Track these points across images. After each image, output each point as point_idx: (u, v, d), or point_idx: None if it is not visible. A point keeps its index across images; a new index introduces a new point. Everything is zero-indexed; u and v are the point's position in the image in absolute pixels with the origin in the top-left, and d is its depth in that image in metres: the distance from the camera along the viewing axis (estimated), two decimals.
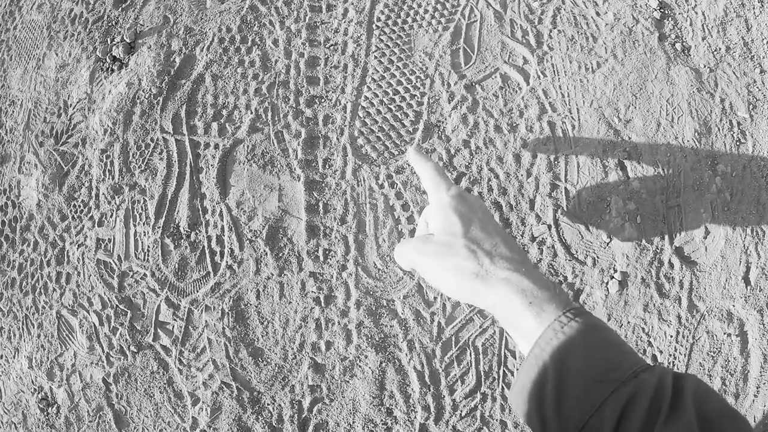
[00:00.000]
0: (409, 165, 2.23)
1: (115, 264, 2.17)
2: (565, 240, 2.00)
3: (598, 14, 2.33)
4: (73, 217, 2.38)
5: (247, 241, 2.09)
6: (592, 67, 2.24)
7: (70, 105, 2.63)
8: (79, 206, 2.40)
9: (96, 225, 2.31)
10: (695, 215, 2.02)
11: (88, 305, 2.12)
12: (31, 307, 2.16)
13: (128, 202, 2.27)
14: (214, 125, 2.33)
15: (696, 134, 2.10)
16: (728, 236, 2.00)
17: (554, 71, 2.27)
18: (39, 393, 2.03)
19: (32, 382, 2.06)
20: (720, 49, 2.27)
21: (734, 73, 2.21)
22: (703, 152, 2.10)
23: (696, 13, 2.32)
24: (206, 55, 2.60)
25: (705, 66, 2.23)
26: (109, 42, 2.71)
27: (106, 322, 2.08)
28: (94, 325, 2.09)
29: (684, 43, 2.28)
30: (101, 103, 2.53)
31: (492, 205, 2.24)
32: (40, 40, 2.92)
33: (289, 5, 2.73)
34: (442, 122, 2.27)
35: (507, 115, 2.23)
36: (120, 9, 2.78)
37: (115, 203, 2.28)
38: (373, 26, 2.64)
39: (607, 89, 2.17)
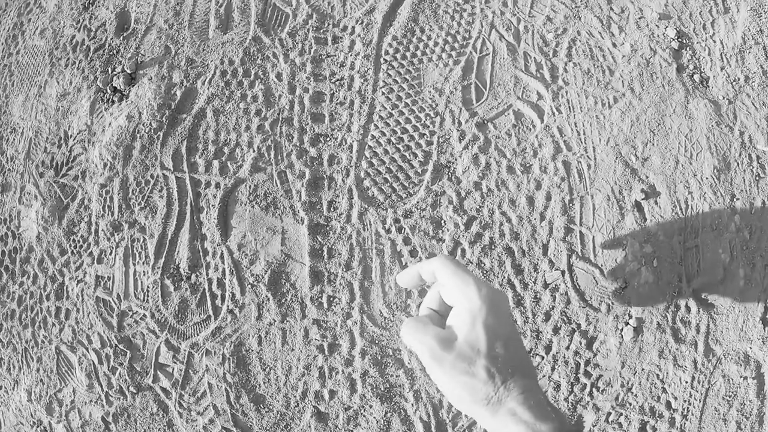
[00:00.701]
0: (419, 208, 2.27)
1: (115, 303, 2.29)
2: (579, 286, 2.01)
3: (614, 45, 2.31)
4: (72, 252, 2.50)
5: (249, 286, 2.14)
6: (608, 102, 2.21)
7: (71, 136, 2.77)
8: (79, 241, 2.51)
9: (95, 262, 2.42)
10: (713, 256, 2.01)
11: (87, 343, 2.18)
12: (31, 340, 2.26)
13: (128, 240, 2.38)
14: (215, 163, 2.47)
15: (715, 171, 2.10)
16: (747, 276, 2.02)
17: (569, 107, 2.25)
18: (38, 427, 2.12)
19: (31, 415, 2.15)
20: (739, 78, 2.29)
21: (753, 104, 2.23)
22: (722, 189, 2.07)
23: (714, 41, 2.34)
24: (208, 88, 2.63)
25: (724, 98, 2.23)
26: (109, 72, 2.84)
27: (105, 360, 2.14)
28: (93, 363, 2.15)
29: (702, 74, 2.29)
30: (101, 136, 2.64)
31: (504, 251, 2.13)
32: (42, 66, 3.07)
33: (293, 37, 2.70)
34: (453, 163, 2.26)
35: (520, 154, 2.19)
36: (121, 38, 2.89)
37: (115, 240, 2.39)
38: (381, 60, 2.61)
39: (625, 126, 2.16)
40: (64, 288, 2.46)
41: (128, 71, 2.85)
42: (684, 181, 2.08)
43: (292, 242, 2.22)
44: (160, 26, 2.91)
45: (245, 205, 2.29)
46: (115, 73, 2.89)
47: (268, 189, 2.30)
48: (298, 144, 2.36)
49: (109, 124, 2.72)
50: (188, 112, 2.65)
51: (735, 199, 2.09)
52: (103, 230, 2.47)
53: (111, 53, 2.95)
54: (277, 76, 2.70)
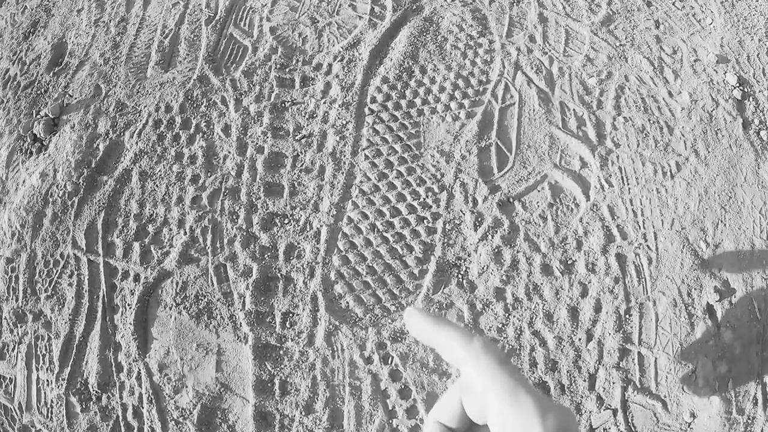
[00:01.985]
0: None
1: (17, 413, 1.86)
2: (635, 427, 1.58)
3: (670, 94, 2.02)
4: None
5: (173, 422, 1.62)
6: (670, 171, 1.88)
7: None
8: None
9: None
10: None
11: None
12: None
13: (31, 335, 1.90)
14: (136, 247, 1.80)
15: None
16: None
17: (623, 178, 1.83)
18: None
19: None
20: None
21: None
22: None
23: None
24: (136, 142, 1.99)
25: None
26: (34, 114, 2.36)
27: None
28: None
29: None
30: (13, 196, 2.17)
31: (536, 387, 1.72)
32: None
33: (250, 77, 1.95)
34: (465, 260, 1.65)
35: (560, 247, 1.68)
36: (52, 73, 2.44)
37: (18, 334, 1.93)
38: (366, 110, 1.83)
39: (692, 202, 1.84)
40: None
41: (51, 115, 2.27)
42: (762, 271, 1.76)
43: (231, 368, 1.64)
44: (95, 61, 2.28)
45: (170, 309, 1.73)
46: (37, 117, 2.32)
47: (201, 289, 1.73)
48: (244, 227, 1.74)
49: (23, 181, 2.21)
50: (110, 173, 1.96)
51: None
52: (6, 318, 1.98)
53: (39, 92, 2.44)
54: (224, 130, 1.81)
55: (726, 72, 2.16)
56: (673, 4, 2.33)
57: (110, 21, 2.40)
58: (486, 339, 0.65)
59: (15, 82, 2.54)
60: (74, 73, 2.33)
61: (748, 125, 2.05)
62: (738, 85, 2.11)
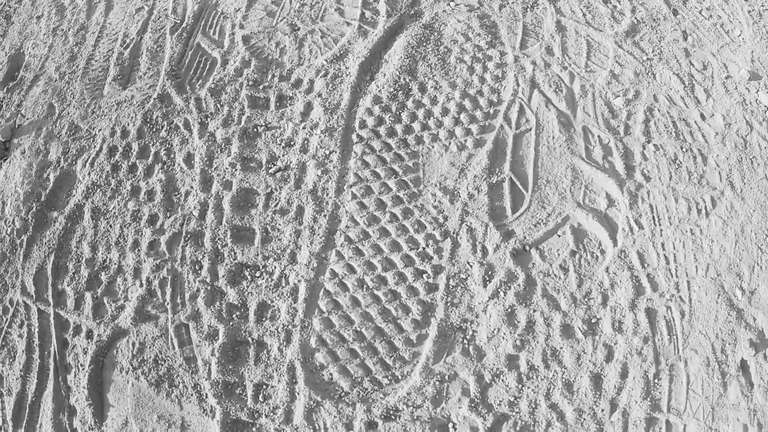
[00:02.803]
0: (410, 403, 1.32)
1: None
2: None
3: (703, 117, 1.90)
4: None
5: None
6: (705, 207, 1.75)
7: None
8: None
9: None
10: None
11: None
12: None
13: None
14: (88, 297, 1.60)
15: None
16: None
17: (654, 218, 1.67)
18: None
19: None
20: None
21: None
22: None
23: None
24: (89, 173, 1.74)
25: None
26: None
27: None
28: None
29: None
30: None
31: None
32: None
33: (217, 95, 1.70)
34: (472, 323, 1.45)
35: (582, 304, 1.50)
36: (6, 89, 2.16)
37: None
38: (353, 137, 1.57)
39: (728, 243, 1.70)
40: None
41: (2, 139, 2.03)
42: None
43: None
44: (50, 75, 2.04)
45: (127, 373, 1.52)
46: None
47: (160, 352, 1.50)
48: (208, 279, 1.50)
49: None
50: (61, 209, 1.74)
51: None
52: None
53: None
54: (186, 160, 1.55)
55: (758, 90, 2.04)
56: (700, 12, 2.18)
57: (69, 29, 2.16)
58: None
59: None
60: (28, 89, 2.11)
61: None
62: None
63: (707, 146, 1.87)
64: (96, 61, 1.93)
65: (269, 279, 1.48)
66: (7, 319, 1.78)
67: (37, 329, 1.72)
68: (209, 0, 1.86)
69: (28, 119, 2.00)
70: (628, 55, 1.87)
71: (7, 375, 1.74)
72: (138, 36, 1.89)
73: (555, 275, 1.53)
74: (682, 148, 1.84)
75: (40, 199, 1.82)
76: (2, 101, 2.14)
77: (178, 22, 1.84)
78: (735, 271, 1.65)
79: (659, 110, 1.84)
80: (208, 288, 1.49)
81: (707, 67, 2.05)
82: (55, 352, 1.69)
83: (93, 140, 1.79)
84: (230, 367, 1.47)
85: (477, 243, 1.47)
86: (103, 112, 1.82)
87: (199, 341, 1.50)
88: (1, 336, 1.76)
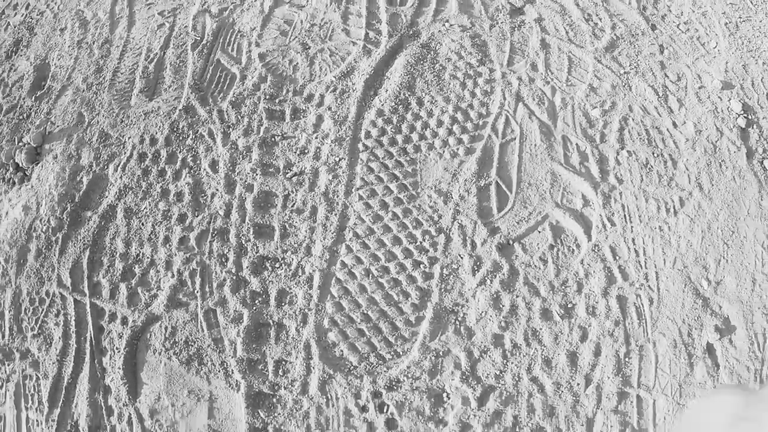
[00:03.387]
0: (410, 375, 1.53)
1: None
2: None
3: (675, 125, 2.01)
4: None
5: None
6: (674, 207, 1.88)
7: None
8: None
9: None
10: None
11: None
12: None
13: (19, 374, 1.89)
14: (123, 288, 1.76)
15: None
16: None
17: (626, 216, 1.82)
18: None
19: None
20: None
21: None
22: None
23: None
24: (121, 176, 1.93)
25: None
26: (15, 141, 2.31)
27: None
28: None
29: None
30: None
31: None
32: None
33: (238, 108, 1.88)
34: (462, 306, 1.63)
35: (560, 291, 1.67)
36: (34, 98, 2.37)
37: (5, 372, 1.92)
38: (360, 146, 1.77)
39: (694, 239, 1.83)
40: None
41: (33, 144, 2.20)
42: (762, 306, 1.77)
43: (223, 415, 1.61)
44: (78, 86, 2.20)
45: (160, 354, 1.69)
46: (20, 144, 2.25)
47: (190, 334, 1.68)
48: (234, 270, 1.68)
49: (6, 213, 2.13)
50: (94, 209, 1.90)
51: None
52: None
53: (21, 117, 2.36)
54: (212, 166, 1.75)
55: (730, 99, 2.17)
56: (678, 26, 2.31)
57: (93, 42, 2.32)
58: None
59: None
60: (57, 99, 2.27)
61: (752, 155, 2.06)
62: (743, 112, 2.13)
63: (678, 151, 1.99)
64: (122, 73, 2.10)
65: (287, 269, 1.67)
66: (43, 309, 1.93)
67: (73, 317, 1.88)
68: (227, 19, 2.03)
69: (58, 127, 2.18)
70: (607, 69, 2.02)
71: (44, 360, 1.88)
72: (161, 51, 2.05)
73: (535, 266, 1.69)
74: (653, 154, 1.96)
75: (74, 200, 1.99)
76: (31, 109, 2.32)
77: (199, 39, 2.01)
78: (701, 263, 1.77)
79: (633, 119, 1.98)
80: (234, 278, 1.67)
81: (682, 78, 2.18)
82: (91, 337, 1.84)
83: (123, 147, 1.96)
84: (253, 346, 1.65)
85: (467, 238, 1.66)
86: (131, 121, 2.00)
87: (226, 324, 1.68)
88: (38, 325, 1.91)
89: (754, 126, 2.11)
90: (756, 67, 2.27)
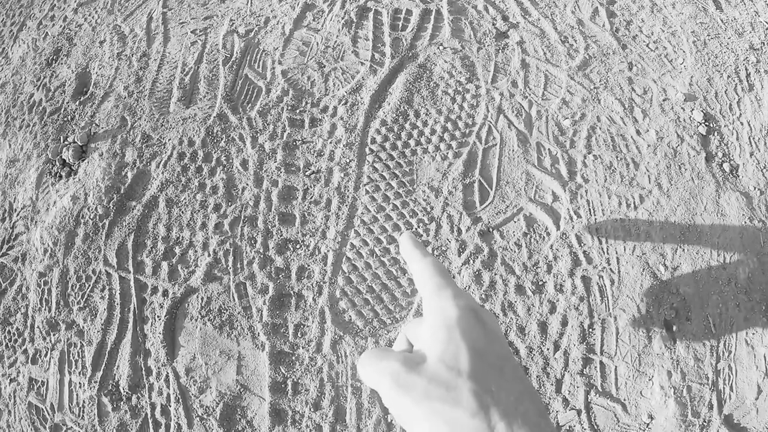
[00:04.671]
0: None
1: (48, 413, 2.04)
2: (598, 426, 1.77)
3: (638, 133, 2.15)
4: (6, 346, 2.26)
5: (198, 419, 1.86)
6: (634, 203, 2.04)
7: (15, 210, 2.55)
8: (14, 334, 2.27)
9: (29, 361, 2.16)
10: (747, 374, 1.80)
11: None
12: None
13: (64, 342, 2.08)
14: (164, 265, 2.04)
15: (749, 273, 1.94)
16: None
17: (590, 210, 2.01)
18: None
19: None
20: None
21: None
22: (758, 296, 1.90)
23: (742, 123, 2.26)
24: (162, 172, 2.23)
25: (755, 188, 2.10)
26: (61, 140, 2.61)
27: None
28: None
29: (732, 162, 2.17)
30: (44, 216, 2.40)
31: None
32: None
33: (264, 116, 2.25)
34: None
35: (532, 270, 1.91)
36: (78, 102, 2.67)
37: (50, 341, 2.11)
38: (366, 150, 2.14)
39: (653, 230, 1.96)
40: None
41: (79, 143, 2.51)
42: (717, 291, 1.89)
43: (249, 371, 1.89)
44: (119, 93, 2.54)
45: (196, 320, 1.98)
46: (66, 143, 2.56)
47: (223, 304, 1.99)
48: (261, 250, 2.03)
49: (54, 202, 2.43)
50: (138, 199, 2.21)
51: None
52: (38, 327, 2.17)
53: (65, 119, 2.67)
54: (242, 164, 2.16)
55: (693, 109, 2.29)
56: (647, 45, 2.45)
57: (132, 55, 2.65)
58: (456, 290, 0.83)
59: (40, 108, 2.80)
60: (100, 104, 2.57)
61: (711, 158, 2.17)
62: (704, 121, 2.25)
63: (640, 156, 2.09)
64: (160, 83, 2.47)
65: (306, 250, 2.01)
66: (89, 285, 2.17)
67: (118, 292, 2.11)
68: (253, 39, 2.41)
69: (102, 128, 2.49)
70: (578, 85, 2.25)
71: (88, 329, 2.10)
72: (195, 65, 2.42)
73: (511, 249, 1.98)
74: (617, 158, 2.09)
75: (120, 191, 2.26)
76: (75, 112, 2.66)
77: (228, 56, 2.38)
78: (659, 251, 1.88)
79: (600, 128, 2.16)
80: (261, 256, 2.01)
81: (647, 91, 2.30)
82: (134, 308, 2.07)
83: (164, 147, 2.28)
84: (277, 312, 1.95)
85: (454, 226, 2.00)
86: (170, 125, 2.32)
87: (254, 295, 1.98)
88: (84, 299, 2.16)
89: (715, 133, 2.22)
90: (721, 80, 2.39)
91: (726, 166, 2.18)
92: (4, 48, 3.20)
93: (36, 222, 2.41)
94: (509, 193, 2.11)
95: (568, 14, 2.54)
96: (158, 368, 1.98)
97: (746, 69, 2.47)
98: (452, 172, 2.12)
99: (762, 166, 2.20)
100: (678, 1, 2.63)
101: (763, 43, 2.56)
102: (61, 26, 3.03)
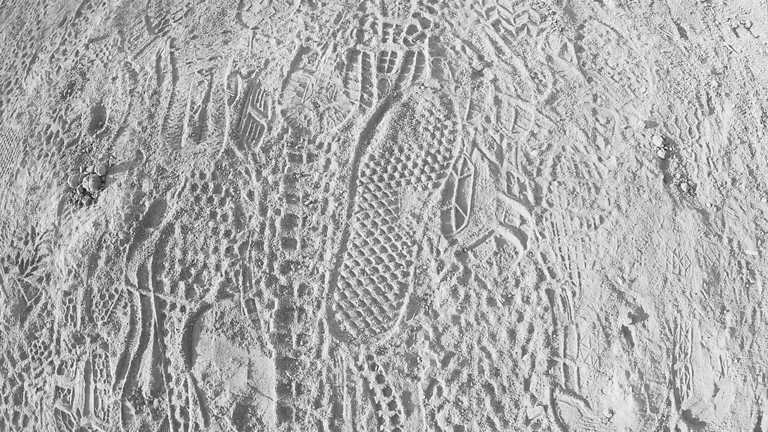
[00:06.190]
0: (393, 344, 2.14)
1: (74, 418, 2.29)
2: (563, 420, 2.04)
3: (600, 159, 2.37)
4: (33, 358, 2.50)
5: (213, 418, 2.16)
6: (594, 223, 2.27)
7: (38, 234, 2.79)
8: (40, 347, 2.51)
9: (56, 372, 2.41)
10: (703, 374, 1.99)
11: None
12: None
13: (89, 354, 2.35)
14: (182, 284, 2.39)
15: (704, 285, 2.11)
16: (738, 389, 1.97)
17: (554, 231, 2.29)
18: None
19: None
20: (726, 182, 2.31)
21: (741, 207, 2.26)
22: (712, 303, 2.08)
23: (700, 145, 2.43)
24: (177, 202, 2.54)
25: (712, 205, 2.26)
26: (80, 171, 2.86)
27: None
28: None
29: (689, 182, 2.34)
30: (67, 240, 2.65)
31: (483, 388, 2.04)
32: (16, 153, 3.13)
33: (267, 152, 2.61)
34: (430, 295, 2.25)
35: (502, 285, 2.23)
36: (95, 135, 2.92)
37: (76, 353, 2.37)
38: (357, 182, 2.50)
39: (611, 247, 2.21)
40: (24, 393, 2.42)
41: (98, 173, 2.81)
42: (673, 300, 2.08)
43: (259, 375, 2.20)
44: (134, 128, 2.86)
45: (211, 332, 2.29)
46: (85, 173, 2.84)
47: (235, 317, 2.30)
48: (267, 271, 2.39)
49: (76, 228, 2.70)
50: (156, 226, 2.55)
51: (725, 312, 2.06)
52: (64, 340, 2.43)
53: (83, 150, 2.94)
54: (249, 195, 2.55)
55: (653, 135, 2.48)
56: (612, 77, 2.66)
57: (144, 92, 2.96)
58: None
59: (58, 139, 3.06)
60: (116, 138, 2.85)
61: (669, 179, 2.37)
62: (663, 145, 2.45)
63: (601, 180, 2.33)
64: (171, 120, 2.81)
65: (306, 270, 2.37)
66: (113, 303, 2.45)
67: (139, 308, 2.39)
68: (254, 80, 2.78)
69: (119, 161, 2.79)
70: (546, 118, 2.50)
71: (112, 342, 2.36)
72: (203, 104, 2.78)
73: (484, 267, 2.28)
74: (580, 183, 2.32)
75: (139, 219, 2.56)
76: (92, 144, 2.94)
77: (233, 95, 2.74)
78: (617, 266, 2.17)
79: (565, 157, 2.40)
80: (267, 276, 2.36)
81: (610, 120, 2.52)
82: (155, 322, 2.35)
83: (177, 179, 2.61)
84: (282, 324, 2.28)
85: (433, 247, 2.35)
86: (183, 159, 2.66)
87: (261, 309, 2.31)
88: (108, 315, 2.43)
89: (674, 156, 2.42)
90: (681, 106, 2.58)
91: (684, 186, 2.36)
92: (18, 79, 3.45)
93: (59, 245, 2.66)
94: (482, 217, 2.46)
95: (538, 51, 2.80)
96: (177, 375, 2.29)
97: (707, 93, 2.64)
98: (431, 201, 2.49)
99: (719, 184, 2.37)
100: (643, 32, 2.81)
101: (726, 67, 2.73)
102: (73, 60, 3.28)
